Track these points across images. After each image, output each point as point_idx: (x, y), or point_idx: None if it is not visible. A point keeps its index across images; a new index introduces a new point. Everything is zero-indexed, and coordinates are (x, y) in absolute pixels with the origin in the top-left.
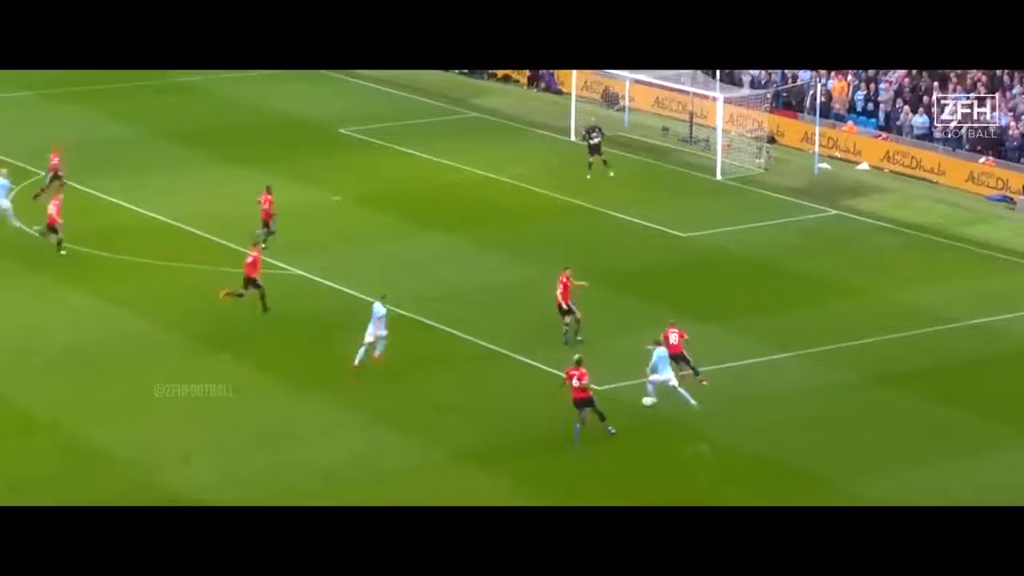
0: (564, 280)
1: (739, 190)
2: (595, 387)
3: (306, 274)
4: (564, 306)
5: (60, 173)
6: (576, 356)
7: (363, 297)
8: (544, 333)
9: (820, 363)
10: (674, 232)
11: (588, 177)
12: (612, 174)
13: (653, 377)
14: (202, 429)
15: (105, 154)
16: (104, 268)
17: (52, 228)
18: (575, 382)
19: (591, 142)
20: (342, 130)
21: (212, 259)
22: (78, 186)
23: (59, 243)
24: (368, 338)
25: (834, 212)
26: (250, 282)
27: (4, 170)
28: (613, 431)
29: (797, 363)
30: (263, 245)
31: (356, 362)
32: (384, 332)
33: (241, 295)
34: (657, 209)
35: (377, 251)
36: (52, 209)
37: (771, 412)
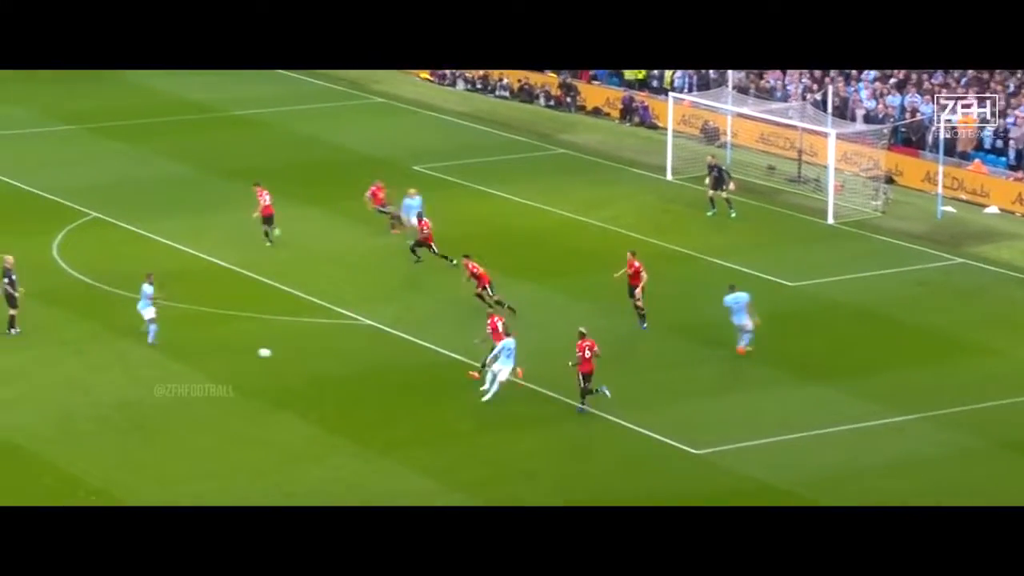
0: (633, 264)
1: (853, 235)
2: (695, 451)
3: (377, 324)
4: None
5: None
6: (582, 328)
7: (437, 349)
8: (637, 392)
9: (942, 427)
10: (782, 281)
11: (709, 214)
12: (734, 214)
13: (497, 368)
14: (261, 494)
15: (159, 194)
16: (158, 317)
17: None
18: (587, 353)
19: (713, 176)
20: (416, 167)
21: (275, 308)
22: (131, 227)
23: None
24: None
25: (959, 260)
26: (483, 291)
27: (413, 190)
28: (608, 394)
29: (917, 427)
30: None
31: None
32: (750, 324)
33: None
34: (763, 256)
35: (454, 300)
36: (266, 199)
37: (890, 480)
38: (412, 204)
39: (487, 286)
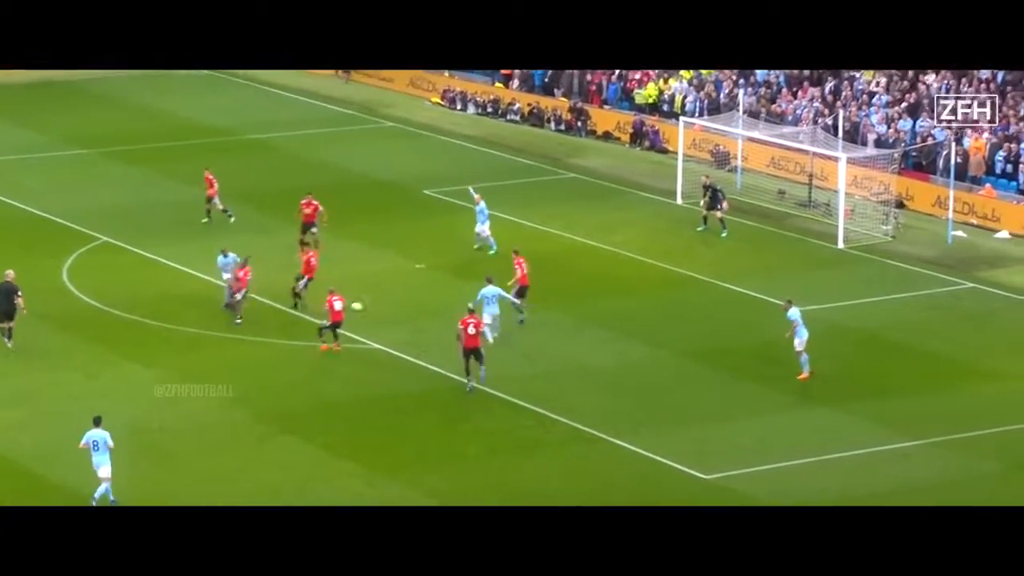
0: (520, 263)
1: (863, 260)
2: (704, 475)
3: (385, 348)
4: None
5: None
6: (469, 304)
7: (445, 373)
8: (646, 416)
9: (955, 452)
10: None
11: (699, 230)
12: (725, 234)
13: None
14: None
15: (168, 217)
16: (167, 341)
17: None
18: (471, 330)
19: (707, 197)
20: (427, 191)
21: (283, 332)
22: (140, 251)
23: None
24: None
25: (970, 285)
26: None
27: (477, 195)
28: (483, 378)
29: (930, 452)
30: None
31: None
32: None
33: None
34: (772, 280)
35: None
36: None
37: (896, 502)
38: (478, 209)
39: (308, 279)
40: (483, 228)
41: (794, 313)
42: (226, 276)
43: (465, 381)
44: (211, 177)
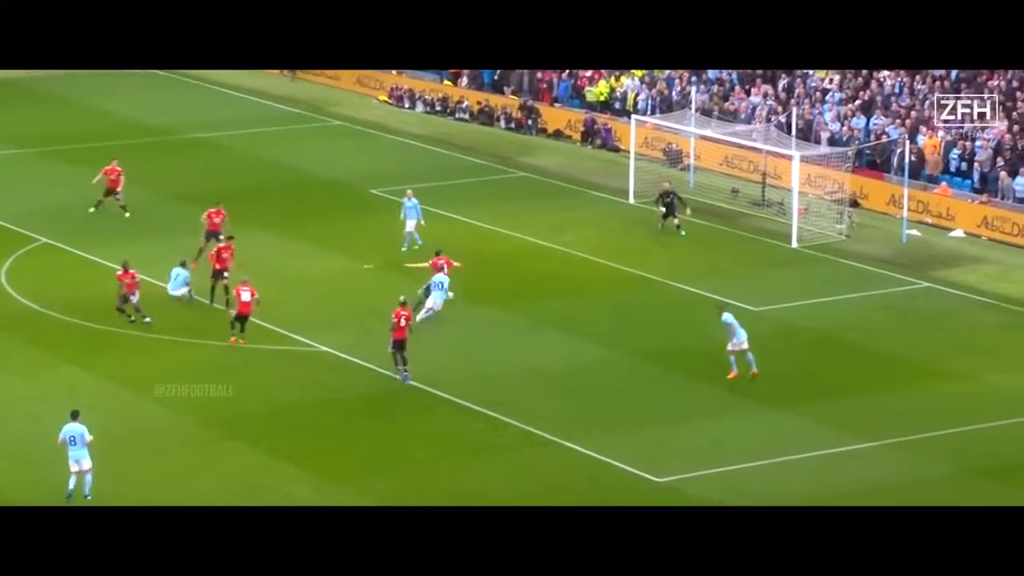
0: (436, 263)
1: (817, 259)
2: (656, 478)
3: (333, 351)
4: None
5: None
6: (401, 298)
7: (393, 376)
8: (597, 418)
9: (910, 454)
10: (744, 306)
11: (659, 227)
12: (683, 233)
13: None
14: None
15: (110, 219)
16: (107, 343)
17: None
18: (403, 322)
19: (664, 204)
20: (374, 191)
21: (225, 335)
22: (81, 252)
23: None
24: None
25: (925, 284)
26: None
27: (410, 190)
28: (406, 378)
29: (884, 453)
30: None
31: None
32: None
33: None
34: (726, 280)
35: (412, 326)
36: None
37: (851, 505)
38: (410, 205)
39: (224, 271)
40: (411, 224)
41: (728, 317)
42: (177, 292)
43: (394, 375)
44: (119, 168)
